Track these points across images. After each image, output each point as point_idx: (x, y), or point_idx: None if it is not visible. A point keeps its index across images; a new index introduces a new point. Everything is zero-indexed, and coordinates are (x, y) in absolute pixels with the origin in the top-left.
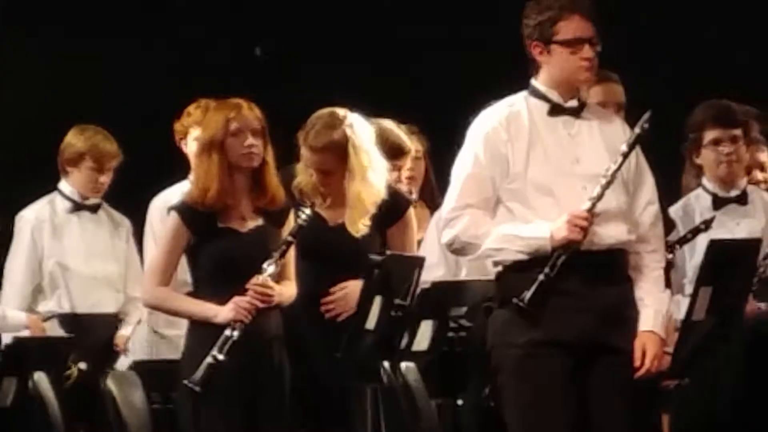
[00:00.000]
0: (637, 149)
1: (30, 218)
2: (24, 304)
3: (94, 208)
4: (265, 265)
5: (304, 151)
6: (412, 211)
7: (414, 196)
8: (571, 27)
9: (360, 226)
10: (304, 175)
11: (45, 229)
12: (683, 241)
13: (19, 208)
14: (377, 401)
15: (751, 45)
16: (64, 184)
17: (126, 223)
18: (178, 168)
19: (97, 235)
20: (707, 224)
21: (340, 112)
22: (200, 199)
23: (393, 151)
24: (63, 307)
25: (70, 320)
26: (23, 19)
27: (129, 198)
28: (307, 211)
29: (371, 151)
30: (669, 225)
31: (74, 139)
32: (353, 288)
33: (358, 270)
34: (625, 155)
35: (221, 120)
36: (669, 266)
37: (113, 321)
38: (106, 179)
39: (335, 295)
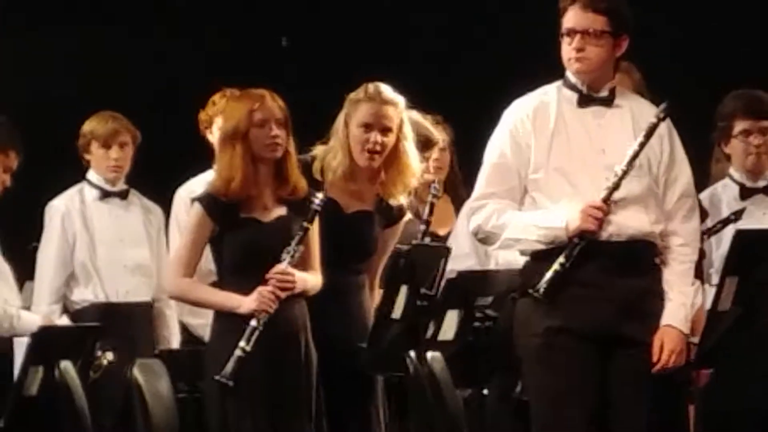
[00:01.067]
0: (675, 140)
1: (60, 207)
2: (56, 296)
3: (122, 195)
4: (283, 254)
5: (362, 111)
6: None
7: (438, 186)
8: (568, 17)
9: (400, 197)
10: (343, 152)
11: (75, 217)
12: (713, 231)
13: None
14: (399, 391)
15: None
16: (91, 173)
17: (158, 211)
18: (203, 158)
19: (127, 222)
20: (737, 215)
21: None
22: (223, 189)
23: (422, 143)
24: (98, 296)
25: (104, 309)
26: (47, 12)
27: (155, 188)
28: (320, 195)
29: None
30: (701, 215)
31: (82, 128)
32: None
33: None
34: (642, 145)
35: (245, 110)
36: (701, 256)
37: (148, 309)
38: (117, 155)
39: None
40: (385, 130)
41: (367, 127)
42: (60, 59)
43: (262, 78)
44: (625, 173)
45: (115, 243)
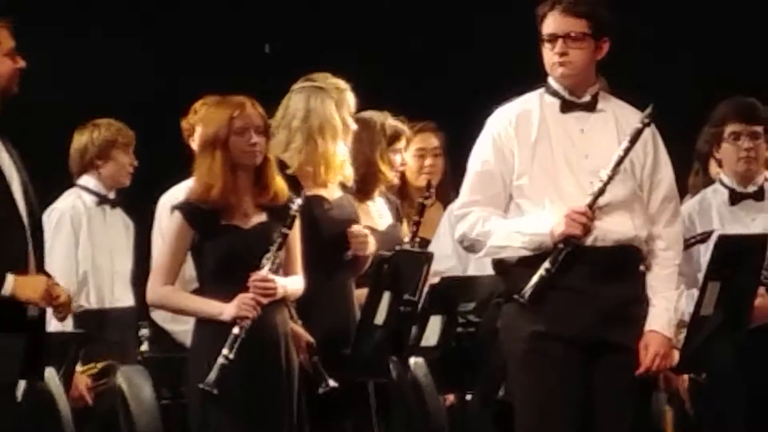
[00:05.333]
0: (658, 144)
1: (68, 211)
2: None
3: (114, 203)
4: (263, 260)
5: (351, 100)
6: None
7: (432, 191)
8: (548, 23)
9: None
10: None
11: (82, 222)
12: (687, 245)
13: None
14: (382, 397)
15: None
16: (87, 179)
17: (130, 222)
18: (186, 165)
19: (117, 231)
20: (705, 237)
21: None
22: (203, 196)
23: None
24: (90, 303)
25: (95, 316)
26: (24, 17)
27: (139, 196)
28: (299, 200)
29: None
30: None
31: (95, 133)
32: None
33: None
34: (627, 150)
35: (225, 118)
36: None
37: (133, 315)
38: (132, 160)
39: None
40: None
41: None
42: (44, 64)
43: (246, 85)
44: (610, 178)
45: (110, 251)
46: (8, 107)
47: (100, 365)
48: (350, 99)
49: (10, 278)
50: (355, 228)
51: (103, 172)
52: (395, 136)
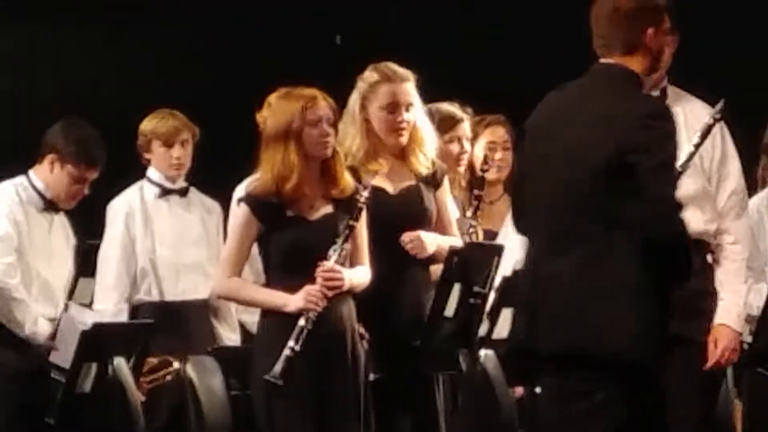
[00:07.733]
0: (726, 137)
1: (122, 207)
2: (123, 296)
3: (182, 192)
4: (330, 252)
5: (384, 93)
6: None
7: (491, 163)
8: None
9: (424, 168)
10: (361, 136)
11: (137, 216)
12: None
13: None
14: (452, 389)
15: None
16: (151, 171)
17: (217, 210)
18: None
19: (187, 220)
20: None
21: None
22: (275, 188)
23: (445, 122)
24: (152, 295)
25: (159, 308)
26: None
27: (215, 187)
28: (365, 193)
29: None
30: None
31: (141, 127)
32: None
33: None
34: (697, 146)
35: (298, 109)
36: None
37: (203, 308)
38: (179, 153)
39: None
40: (409, 107)
41: (392, 107)
42: (117, 55)
43: (317, 77)
44: (680, 174)
45: (174, 242)
46: None
47: (155, 360)
48: (381, 92)
49: None
50: (405, 236)
51: (153, 165)
52: (448, 123)
